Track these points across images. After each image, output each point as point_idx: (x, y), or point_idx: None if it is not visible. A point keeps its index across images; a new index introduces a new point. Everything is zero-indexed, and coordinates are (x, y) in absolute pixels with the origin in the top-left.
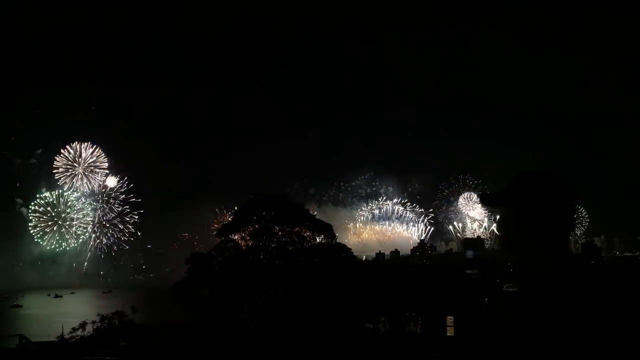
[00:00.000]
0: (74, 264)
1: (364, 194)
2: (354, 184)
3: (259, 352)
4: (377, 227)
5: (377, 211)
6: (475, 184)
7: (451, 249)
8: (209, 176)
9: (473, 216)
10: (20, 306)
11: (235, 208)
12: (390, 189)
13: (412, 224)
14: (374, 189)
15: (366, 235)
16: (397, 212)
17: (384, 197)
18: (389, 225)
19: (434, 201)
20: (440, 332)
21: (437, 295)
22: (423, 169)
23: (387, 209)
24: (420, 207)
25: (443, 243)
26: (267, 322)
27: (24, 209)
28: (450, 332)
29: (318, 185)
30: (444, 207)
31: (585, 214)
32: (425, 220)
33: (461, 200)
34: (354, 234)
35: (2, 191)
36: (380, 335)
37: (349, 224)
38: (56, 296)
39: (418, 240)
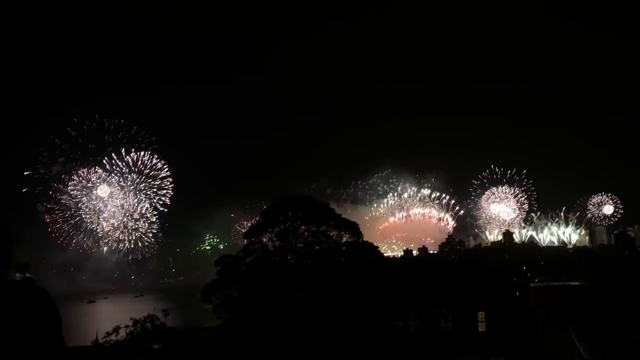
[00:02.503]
0: (101, 269)
1: (382, 192)
2: (371, 181)
3: (289, 352)
4: (400, 224)
5: (398, 208)
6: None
7: (480, 243)
8: (226, 181)
9: (498, 211)
10: None
11: (255, 212)
12: (407, 185)
13: (435, 219)
14: (392, 185)
15: (390, 232)
16: (420, 208)
17: (405, 194)
18: (412, 220)
19: (456, 196)
20: (471, 328)
21: (468, 291)
22: (441, 165)
23: (408, 205)
24: (442, 202)
25: (471, 238)
26: (297, 323)
27: (46, 217)
28: (481, 327)
29: (336, 185)
30: (468, 202)
31: (621, 204)
32: (450, 215)
33: (486, 195)
34: (377, 231)
35: (25, 199)
36: (411, 332)
37: (371, 221)
38: (89, 301)
39: (446, 236)
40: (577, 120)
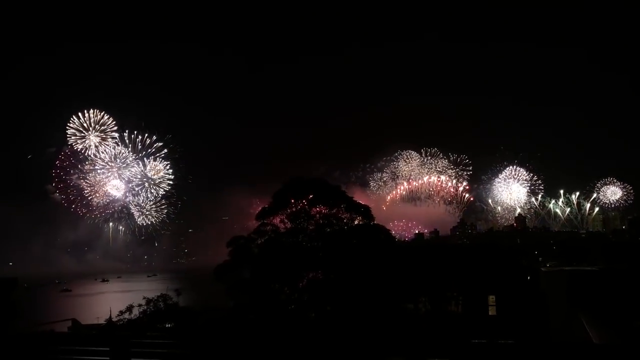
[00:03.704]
0: (113, 248)
1: (390, 175)
2: (379, 164)
3: (300, 333)
4: (410, 207)
5: (407, 191)
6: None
7: (491, 227)
8: (236, 163)
9: (510, 195)
10: (70, 290)
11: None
12: (414, 168)
13: (445, 202)
14: (399, 168)
15: (400, 216)
16: (428, 191)
17: (411, 176)
18: (421, 204)
19: (467, 178)
20: (482, 312)
21: (479, 274)
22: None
23: (417, 188)
24: (453, 185)
25: (483, 221)
26: (308, 304)
27: (57, 195)
28: (492, 311)
29: (343, 168)
30: (477, 186)
31: (631, 189)
32: (460, 198)
33: (501, 177)
34: (387, 215)
35: (35, 179)
36: (421, 315)
37: (380, 204)
38: (103, 280)
39: (458, 220)
40: (590, 105)
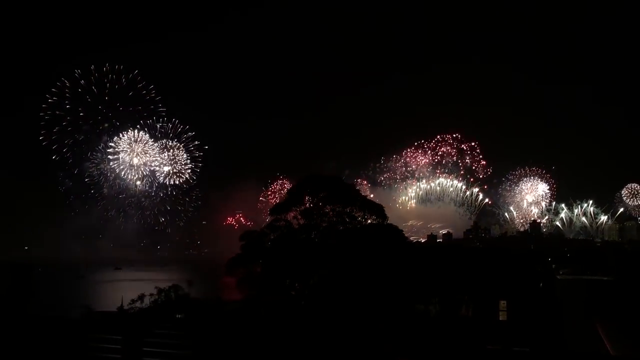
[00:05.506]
0: (125, 237)
1: (401, 174)
2: (389, 164)
3: (310, 329)
4: (422, 208)
5: (420, 191)
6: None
7: (506, 232)
8: (247, 158)
9: (525, 200)
10: (83, 277)
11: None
12: (425, 169)
13: (458, 205)
14: (411, 168)
15: (412, 217)
16: (442, 193)
17: (422, 177)
18: (434, 206)
19: (480, 183)
20: (492, 317)
21: (490, 279)
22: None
23: (431, 189)
24: (466, 187)
25: (497, 226)
26: (318, 300)
27: (67, 181)
28: (502, 316)
29: (354, 166)
30: (489, 189)
31: None
32: (474, 201)
33: (516, 181)
34: (398, 215)
35: (45, 165)
36: (432, 317)
37: (392, 205)
38: (116, 268)
39: (472, 223)
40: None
